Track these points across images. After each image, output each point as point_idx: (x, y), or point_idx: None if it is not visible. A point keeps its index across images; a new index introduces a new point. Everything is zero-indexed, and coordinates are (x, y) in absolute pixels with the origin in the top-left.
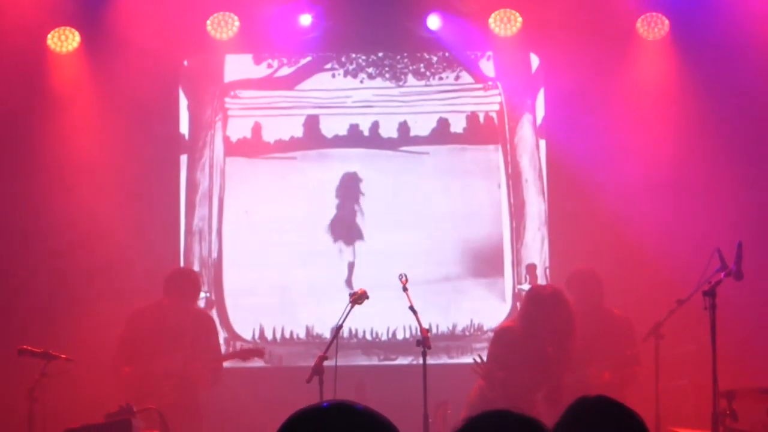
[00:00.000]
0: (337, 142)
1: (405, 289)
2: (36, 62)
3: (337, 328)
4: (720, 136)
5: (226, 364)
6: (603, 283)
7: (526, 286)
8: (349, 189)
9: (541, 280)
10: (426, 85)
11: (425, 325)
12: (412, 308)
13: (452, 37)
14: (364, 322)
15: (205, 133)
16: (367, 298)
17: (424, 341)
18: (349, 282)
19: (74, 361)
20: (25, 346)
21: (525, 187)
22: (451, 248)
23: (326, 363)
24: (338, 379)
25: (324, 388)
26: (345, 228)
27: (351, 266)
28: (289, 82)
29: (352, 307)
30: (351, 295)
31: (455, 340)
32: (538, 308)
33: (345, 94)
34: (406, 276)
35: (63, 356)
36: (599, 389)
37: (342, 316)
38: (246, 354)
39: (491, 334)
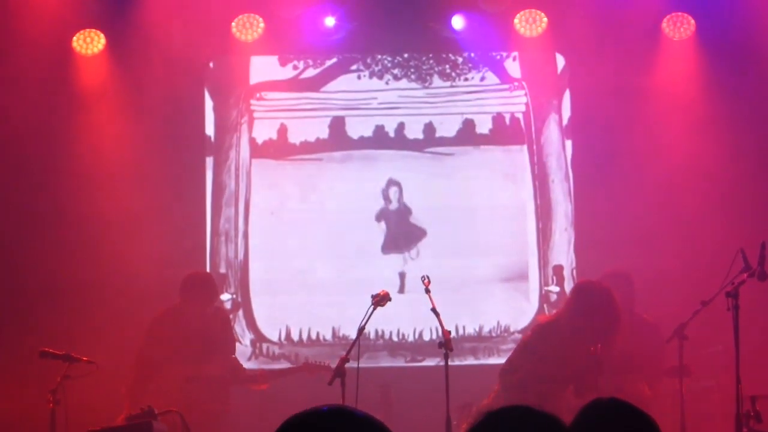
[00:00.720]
0: (363, 143)
1: (428, 291)
2: (61, 64)
3: (360, 330)
4: (745, 136)
5: (252, 365)
6: (634, 286)
7: (553, 288)
8: (396, 195)
9: (568, 282)
10: (451, 86)
11: (451, 327)
12: (434, 310)
13: (477, 37)
14: (391, 323)
15: (230, 135)
16: (390, 299)
17: (445, 343)
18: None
19: (96, 363)
20: (46, 349)
21: (551, 187)
22: (477, 249)
23: (350, 364)
24: (364, 381)
25: (347, 390)
26: (371, 231)
27: (376, 272)
28: (315, 84)
29: (374, 309)
30: (373, 296)
31: (482, 341)
32: (590, 301)
33: (371, 96)
34: (428, 278)
35: (85, 359)
36: (636, 400)
37: (365, 317)
38: (311, 369)
39: (518, 336)
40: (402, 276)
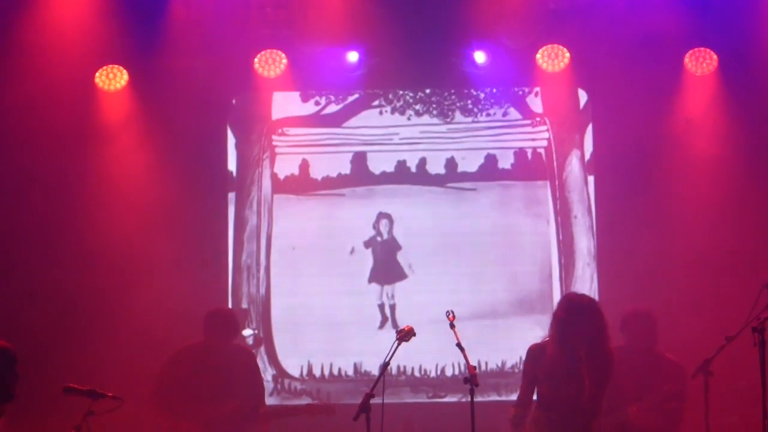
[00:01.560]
0: (385, 178)
1: (452, 326)
2: (84, 100)
3: (384, 365)
4: None
5: (274, 401)
6: (658, 324)
7: None
8: (391, 232)
9: None
10: (473, 122)
11: (473, 362)
12: (459, 345)
13: (500, 72)
14: (413, 359)
15: (253, 171)
16: (414, 335)
17: (471, 379)
18: (394, 319)
19: (121, 399)
20: (71, 384)
21: (574, 223)
22: (499, 285)
23: (374, 401)
24: (386, 417)
25: (371, 425)
26: (390, 265)
27: (393, 305)
28: (337, 119)
29: (399, 344)
30: (398, 332)
31: (504, 377)
32: (570, 314)
33: (392, 131)
34: (453, 313)
35: (110, 394)
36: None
37: (389, 353)
38: (314, 410)
39: None
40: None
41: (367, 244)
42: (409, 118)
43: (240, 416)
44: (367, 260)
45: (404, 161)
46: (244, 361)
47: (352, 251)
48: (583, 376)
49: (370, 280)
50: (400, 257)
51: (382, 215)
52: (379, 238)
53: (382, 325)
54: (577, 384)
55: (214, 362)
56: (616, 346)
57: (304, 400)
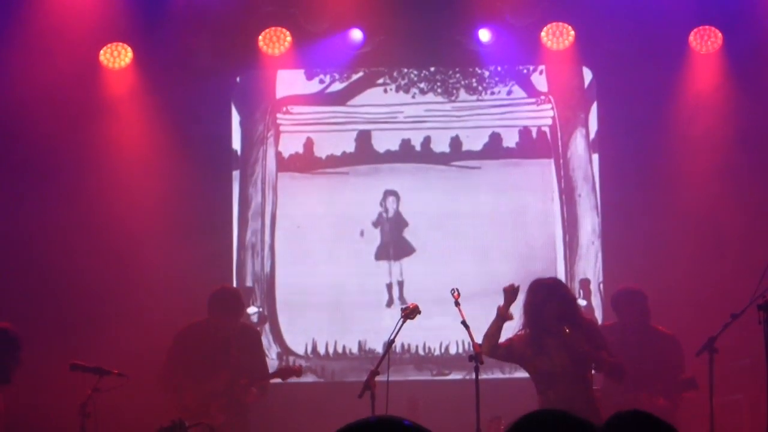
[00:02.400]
0: (389, 157)
1: (457, 304)
2: (88, 77)
3: (389, 343)
4: None
5: (278, 379)
6: (648, 301)
7: (580, 302)
8: (396, 210)
9: (595, 295)
10: (478, 100)
11: (478, 340)
12: (464, 323)
13: (504, 51)
14: (417, 336)
15: (257, 149)
16: (419, 312)
17: (476, 356)
18: (401, 297)
19: (126, 376)
20: (77, 361)
21: (578, 201)
22: (503, 263)
23: (378, 378)
24: (390, 394)
25: (376, 403)
26: (396, 243)
27: (401, 282)
28: (341, 98)
29: (404, 322)
30: (403, 309)
31: None
32: (536, 294)
33: (397, 110)
34: (458, 290)
35: (115, 371)
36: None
37: (394, 330)
38: (284, 373)
39: None
40: (432, 289)
41: (375, 222)
42: (413, 97)
43: (232, 389)
44: (372, 238)
45: (409, 140)
46: (247, 337)
47: (362, 233)
48: (576, 345)
49: (378, 257)
50: (407, 234)
51: (388, 192)
52: (385, 215)
53: (389, 304)
54: (569, 354)
55: (216, 340)
56: (607, 325)
57: (309, 378)
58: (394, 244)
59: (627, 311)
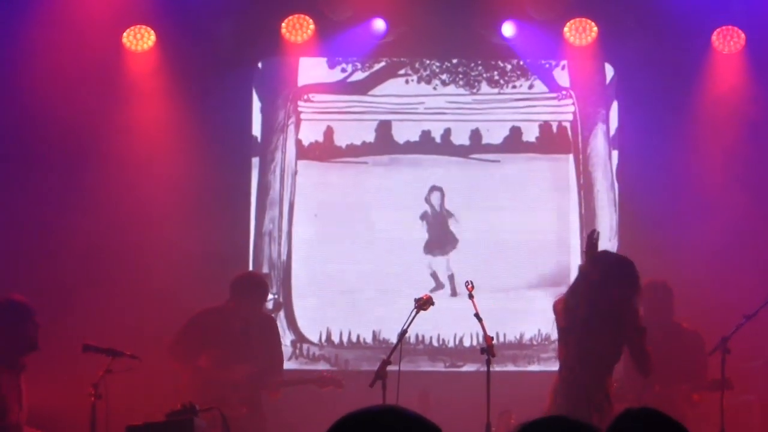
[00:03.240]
0: (409, 148)
1: (471, 296)
2: (111, 60)
3: (402, 333)
4: None
5: (292, 366)
6: (674, 295)
7: None
8: (438, 201)
9: None
10: (499, 93)
11: (492, 333)
12: (477, 315)
13: (527, 45)
14: (431, 328)
15: (277, 136)
16: (433, 304)
17: (488, 349)
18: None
19: (139, 358)
20: (90, 342)
21: (597, 197)
22: (520, 257)
23: (390, 368)
24: (403, 385)
25: (387, 392)
26: (415, 235)
27: (432, 274)
28: (363, 87)
29: (417, 313)
30: (416, 300)
31: (522, 348)
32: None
33: (418, 100)
34: (472, 283)
35: (128, 353)
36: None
37: (407, 321)
38: (323, 382)
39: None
40: (446, 281)
41: (422, 216)
42: (435, 88)
43: (254, 382)
44: (390, 228)
45: (429, 131)
46: (268, 328)
47: (374, 219)
48: (615, 332)
49: (402, 250)
50: (429, 228)
51: (434, 187)
52: (430, 210)
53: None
54: (602, 338)
55: (238, 327)
56: None
57: (322, 366)
58: (416, 236)
59: (651, 305)
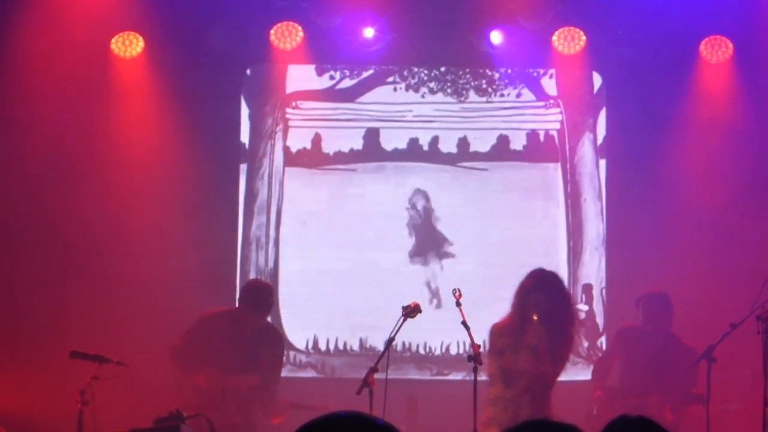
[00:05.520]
0: (397, 155)
1: (458, 304)
2: (99, 66)
3: (389, 341)
4: None
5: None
6: (672, 308)
7: (582, 307)
8: (413, 209)
9: (598, 301)
10: (487, 102)
11: (478, 342)
12: (464, 323)
13: (515, 53)
14: (418, 336)
15: (265, 143)
16: (420, 311)
17: (475, 357)
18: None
19: (126, 365)
20: (77, 349)
21: (584, 206)
22: (507, 265)
23: (377, 375)
24: (390, 393)
25: (374, 400)
26: (402, 243)
27: (407, 284)
28: (351, 95)
29: (404, 320)
30: (404, 308)
31: None
32: (530, 280)
33: (406, 108)
34: (459, 291)
35: (115, 360)
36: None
37: (394, 328)
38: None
39: None
40: (433, 290)
41: (410, 223)
42: (423, 96)
43: (255, 394)
44: (378, 235)
45: (416, 139)
46: (275, 340)
47: (367, 230)
48: (541, 349)
49: (390, 257)
50: (416, 236)
51: (419, 192)
52: (411, 216)
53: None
54: (535, 357)
55: (244, 334)
56: (629, 325)
57: (309, 373)
58: (403, 243)
59: (650, 316)
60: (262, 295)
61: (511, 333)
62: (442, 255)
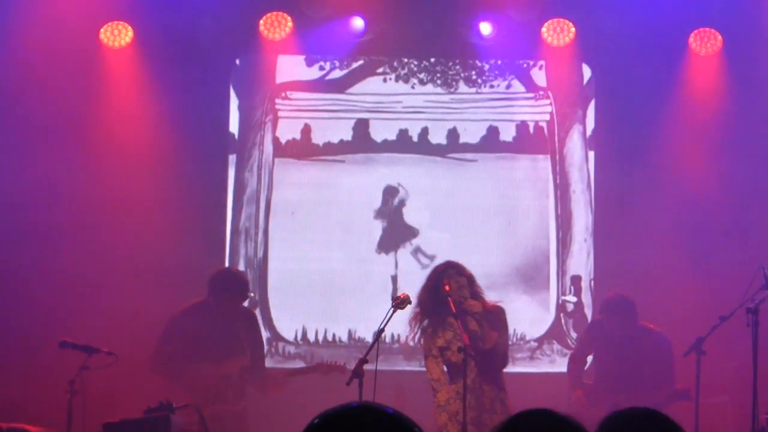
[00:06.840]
0: (386, 146)
1: (448, 296)
2: (88, 56)
3: (379, 332)
4: None
5: (267, 364)
6: (637, 308)
7: (570, 298)
8: (391, 201)
9: (586, 293)
10: (477, 93)
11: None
12: (454, 315)
13: (505, 45)
14: (407, 327)
15: (254, 134)
16: (410, 302)
17: (465, 348)
18: (394, 289)
19: (115, 355)
20: (66, 339)
21: (572, 198)
22: (496, 257)
23: (367, 367)
24: (379, 384)
25: (364, 391)
26: (391, 235)
27: (395, 275)
28: (341, 85)
29: (394, 312)
30: (394, 299)
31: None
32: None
33: (396, 99)
34: (449, 283)
35: (104, 350)
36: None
37: (384, 320)
38: (326, 369)
39: (534, 344)
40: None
41: (377, 214)
42: (412, 87)
43: (246, 375)
44: (366, 227)
45: (406, 130)
46: (250, 322)
47: (356, 221)
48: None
49: (377, 247)
50: (404, 227)
51: (390, 186)
52: (385, 208)
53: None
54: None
55: (221, 322)
56: (599, 319)
57: (297, 364)
58: (392, 235)
59: (614, 320)
60: (235, 282)
61: (441, 332)
62: (431, 246)
